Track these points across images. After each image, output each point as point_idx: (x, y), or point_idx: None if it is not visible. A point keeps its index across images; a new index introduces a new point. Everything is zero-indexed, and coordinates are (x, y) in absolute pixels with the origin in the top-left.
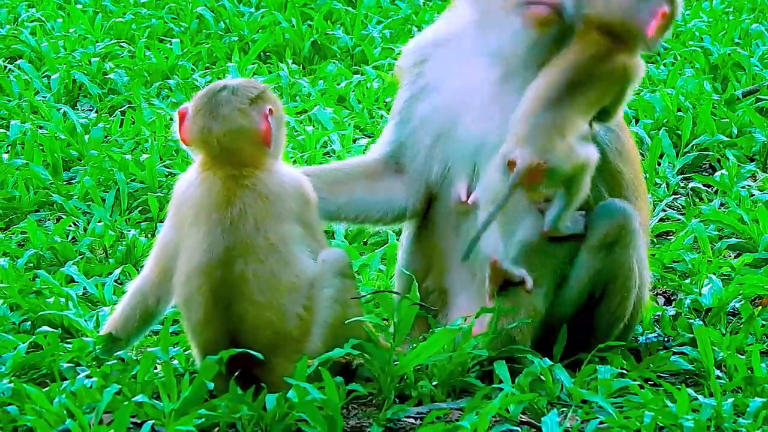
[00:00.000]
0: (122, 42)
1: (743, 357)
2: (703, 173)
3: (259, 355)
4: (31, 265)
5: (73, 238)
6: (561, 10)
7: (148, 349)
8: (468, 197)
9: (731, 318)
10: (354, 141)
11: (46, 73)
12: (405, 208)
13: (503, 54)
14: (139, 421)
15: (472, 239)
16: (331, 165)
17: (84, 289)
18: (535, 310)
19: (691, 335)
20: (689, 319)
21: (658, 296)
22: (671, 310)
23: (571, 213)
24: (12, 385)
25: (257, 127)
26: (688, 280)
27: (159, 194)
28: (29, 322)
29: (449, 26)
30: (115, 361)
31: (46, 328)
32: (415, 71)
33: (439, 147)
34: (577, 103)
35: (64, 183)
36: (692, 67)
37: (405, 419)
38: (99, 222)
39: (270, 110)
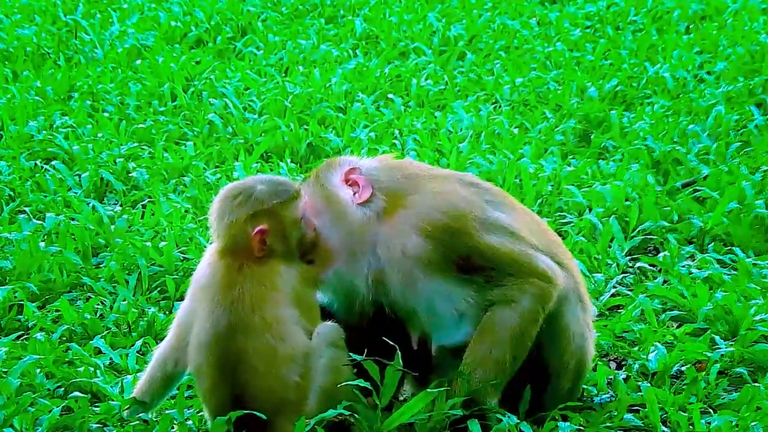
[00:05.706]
0: (143, 145)
1: (685, 414)
2: (649, 254)
3: (263, 416)
4: (64, 338)
5: (101, 315)
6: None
7: (166, 412)
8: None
9: (674, 380)
10: None
11: (77, 172)
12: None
13: None
14: None
15: None
16: None
17: (110, 360)
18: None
19: (640, 394)
20: (638, 381)
21: (611, 362)
22: (622, 374)
23: None
24: None
25: (250, 240)
26: (636, 348)
27: (175, 276)
28: (62, 389)
29: None
30: (138, 422)
31: (77, 393)
32: None
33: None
34: None
35: (93, 267)
36: (637, 163)
37: None
38: (123, 301)
39: (262, 230)
